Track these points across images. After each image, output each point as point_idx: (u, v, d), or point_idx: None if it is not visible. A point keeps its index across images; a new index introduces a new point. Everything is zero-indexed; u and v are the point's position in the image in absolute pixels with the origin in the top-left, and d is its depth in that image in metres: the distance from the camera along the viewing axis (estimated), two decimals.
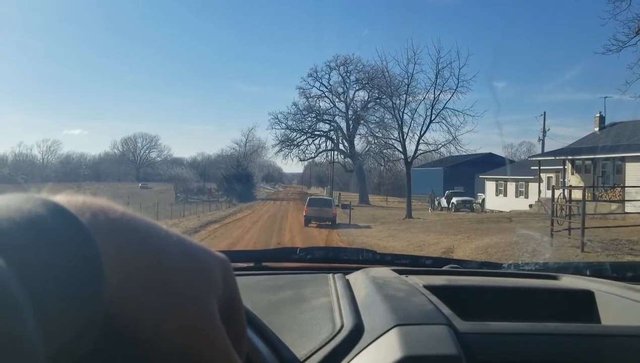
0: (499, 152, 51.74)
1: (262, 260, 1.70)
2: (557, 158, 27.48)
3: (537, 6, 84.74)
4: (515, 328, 0.86)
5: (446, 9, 77.93)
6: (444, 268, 1.63)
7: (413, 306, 0.96)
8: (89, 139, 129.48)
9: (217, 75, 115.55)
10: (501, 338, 0.82)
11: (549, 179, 30.19)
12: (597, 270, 1.61)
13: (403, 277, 1.27)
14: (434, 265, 1.73)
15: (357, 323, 0.88)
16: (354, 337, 0.83)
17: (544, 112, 38.04)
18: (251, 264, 1.67)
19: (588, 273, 1.58)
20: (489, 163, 41.12)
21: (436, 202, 38.68)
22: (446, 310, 0.91)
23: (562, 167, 27.44)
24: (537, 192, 29.59)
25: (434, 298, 1.00)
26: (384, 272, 1.35)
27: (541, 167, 29.04)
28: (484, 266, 1.82)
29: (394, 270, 1.37)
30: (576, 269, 1.63)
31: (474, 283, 1.33)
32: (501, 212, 31.32)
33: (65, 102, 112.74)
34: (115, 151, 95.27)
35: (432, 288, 1.11)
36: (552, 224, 11.88)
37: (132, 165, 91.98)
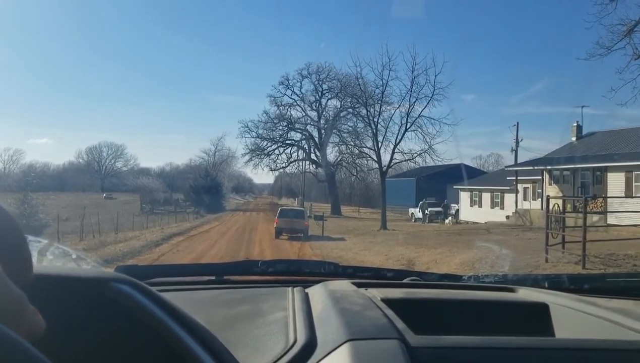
0: (468, 162, 51.57)
1: (223, 274, 1.67)
2: (535, 168, 26.87)
3: (503, 17, 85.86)
4: (467, 342, 0.85)
5: (410, 23, 77.30)
6: (405, 280, 1.64)
7: (367, 320, 0.95)
8: (55, 148, 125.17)
9: (186, 86, 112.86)
10: (452, 352, 0.81)
11: (525, 189, 29.69)
12: (555, 283, 1.61)
13: (362, 290, 1.27)
14: (395, 277, 1.73)
15: (310, 338, 0.87)
16: (306, 352, 0.83)
17: (517, 123, 37.37)
18: (212, 278, 1.64)
19: (546, 285, 1.59)
20: (461, 174, 40.50)
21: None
22: (400, 324, 0.91)
23: (539, 177, 26.85)
24: (513, 202, 29.03)
25: (389, 312, 1.00)
26: (343, 285, 1.36)
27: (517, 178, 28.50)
28: (444, 278, 1.81)
29: (355, 283, 1.38)
30: (534, 281, 1.66)
31: (432, 296, 1.33)
32: (476, 223, 30.68)
33: (31, 111, 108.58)
34: (80, 160, 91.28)
35: (389, 302, 1.11)
36: (547, 238, 10.91)
37: (97, 175, 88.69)
